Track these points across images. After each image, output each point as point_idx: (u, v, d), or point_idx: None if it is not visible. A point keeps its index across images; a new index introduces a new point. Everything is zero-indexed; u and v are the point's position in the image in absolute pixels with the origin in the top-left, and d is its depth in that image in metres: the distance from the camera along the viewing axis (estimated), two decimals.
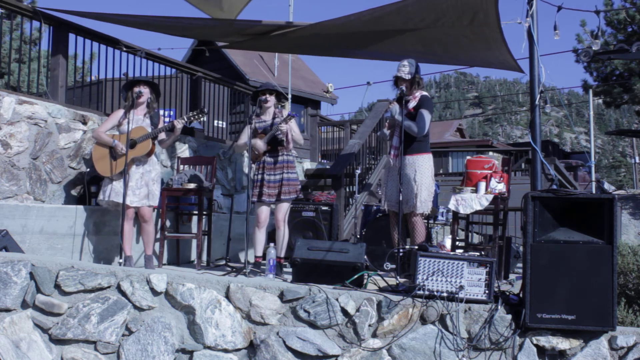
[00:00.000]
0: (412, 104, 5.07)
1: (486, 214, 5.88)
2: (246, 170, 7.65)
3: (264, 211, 5.29)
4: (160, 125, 5.23)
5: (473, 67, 7.96)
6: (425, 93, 5.17)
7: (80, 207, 5.23)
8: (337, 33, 6.39)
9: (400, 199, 4.73)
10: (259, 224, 5.28)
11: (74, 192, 5.62)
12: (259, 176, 5.28)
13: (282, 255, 5.28)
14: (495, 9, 5.11)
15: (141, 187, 5.06)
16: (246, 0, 6.56)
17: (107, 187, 5.02)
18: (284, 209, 5.27)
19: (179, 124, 5.18)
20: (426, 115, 5.03)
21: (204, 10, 6.68)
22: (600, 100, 17.92)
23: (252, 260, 5.36)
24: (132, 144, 4.98)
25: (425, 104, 5.08)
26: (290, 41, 6.97)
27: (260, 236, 5.30)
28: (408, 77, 5.06)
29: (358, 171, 6.87)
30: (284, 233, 5.27)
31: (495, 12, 5.17)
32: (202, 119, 5.42)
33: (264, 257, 5.18)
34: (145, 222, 5.09)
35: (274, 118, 5.30)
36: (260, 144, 5.23)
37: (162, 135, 5.28)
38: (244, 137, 5.38)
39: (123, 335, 3.62)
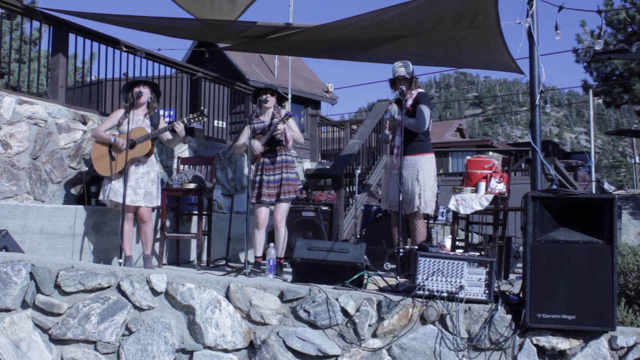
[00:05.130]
0: (409, 102, 5.08)
1: (486, 214, 5.88)
2: (246, 170, 7.64)
3: (263, 212, 5.28)
4: (161, 125, 5.22)
5: (473, 69, 7.97)
6: (421, 90, 5.19)
7: (80, 207, 5.23)
8: (337, 37, 6.39)
9: (401, 199, 4.73)
10: (258, 224, 5.28)
11: (74, 192, 5.62)
12: (258, 177, 5.28)
13: (282, 255, 5.28)
14: (495, 10, 5.11)
15: (141, 188, 5.06)
16: (247, 4, 6.55)
17: (107, 186, 5.02)
18: (282, 209, 5.27)
19: (179, 126, 5.13)
20: (425, 110, 5.04)
21: (201, 15, 6.67)
22: (600, 100, 17.89)
23: (252, 260, 5.36)
24: (131, 144, 4.97)
25: (422, 99, 5.10)
26: (290, 44, 6.97)
27: (260, 237, 5.30)
28: (409, 76, 5.08)
29: (358, 171, 6.88)
30: (283, 233, 5.27)
31: (495, 14, 5.16)
32: (202, 121, 5.43)
33: (263, 257, 5.18)
34: (144, 223, 5.09)
35: (272, 119, 5.31)
36: (257, 145, 5.23)
37: (168, 135, 5.27)
38: (243, 137, 5.38)
39: (123, 335, 3.62)
